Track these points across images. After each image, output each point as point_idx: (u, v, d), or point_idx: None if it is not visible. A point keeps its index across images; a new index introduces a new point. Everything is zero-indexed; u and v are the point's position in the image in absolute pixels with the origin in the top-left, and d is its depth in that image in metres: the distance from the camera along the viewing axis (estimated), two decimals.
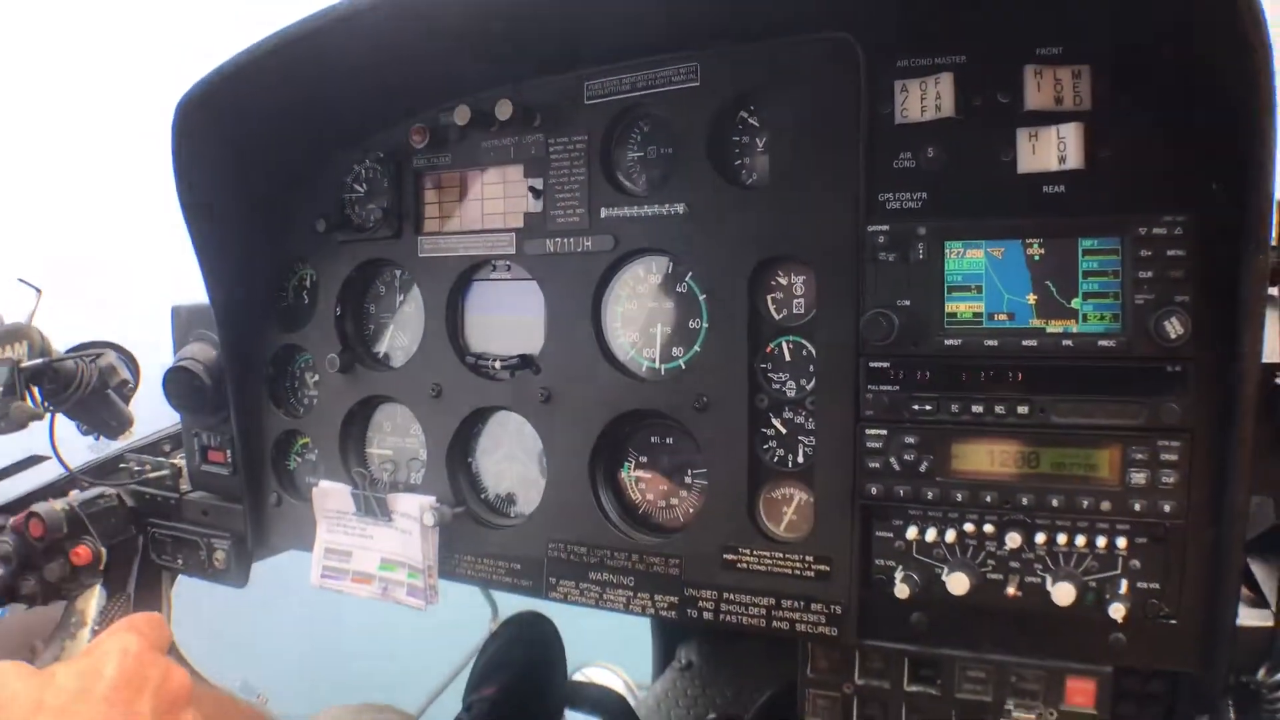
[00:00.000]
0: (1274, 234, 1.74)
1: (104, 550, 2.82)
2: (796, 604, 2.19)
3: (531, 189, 2.43)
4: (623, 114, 2.35)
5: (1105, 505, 1.89)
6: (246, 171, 2.64)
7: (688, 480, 2.37)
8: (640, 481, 2.43)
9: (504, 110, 2.34)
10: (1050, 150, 1.96)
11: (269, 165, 2.68)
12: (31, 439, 2.85)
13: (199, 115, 2.41)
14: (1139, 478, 1.87)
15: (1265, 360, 1.77)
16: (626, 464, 2.44)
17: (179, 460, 3.10)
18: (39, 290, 2.67)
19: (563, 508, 2.44)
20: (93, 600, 2.79)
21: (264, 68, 2.28)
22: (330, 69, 2.36)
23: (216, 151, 2.53)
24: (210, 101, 2.37)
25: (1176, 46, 1.84)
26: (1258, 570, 2.13)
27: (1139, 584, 1.92)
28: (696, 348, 2.30)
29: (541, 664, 3.20)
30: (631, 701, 3.83)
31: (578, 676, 4.01)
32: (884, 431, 2.05)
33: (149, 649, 1.63)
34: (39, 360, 2.66)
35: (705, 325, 2.28)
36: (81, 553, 2.78)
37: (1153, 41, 1.87)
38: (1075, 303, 1.93)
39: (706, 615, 2.28)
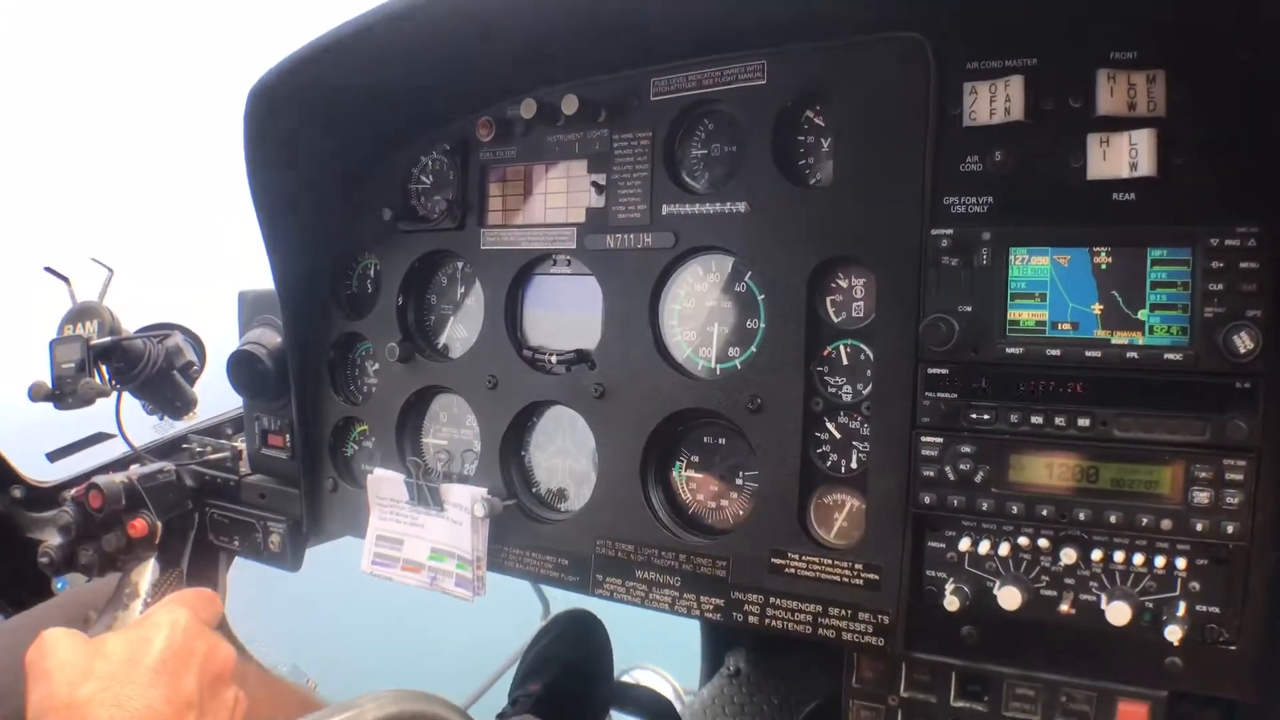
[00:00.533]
0: None
1: (160, 524, 2.85)
2: (844, 612, 2.15)
3: (594, 184, 2.42)
4: (688, 111, 2.33)
5: (1166, 524, 1.81)
6: (314, 160, 2.68)
7: (739, 482, 2.34)
8: (691, 481, 2.40)
9: (570, 105, 2.34)
10: (1121, 157, 1.89)
11: (337, 154, 2.71)
12: (98, 417, 2.91)
13: (269, 103, 2.45)
14: (1202, 497, 1.79)
15: None
16: (678, 463, 2.41)
17: (239, 443, 3.15)
18: (110, 270, 2.73)
19: (612, 505, 2.42)
20: (147, 573, 2.82)
21: (333, 57, 2.32)
22: (399, 60, 2.39)
23: (285, 139, 2.57)
24: (280, 90, 2.41)
25: (1254, 50, 1.77)
26: None
27: (1198, 607, 1.84)
28: (753, 348, 2.27)
29: (588, 663, 3.19)
30: (678, 706, 3.80)
31: (625, 678, 3.98)
32: (940, 440, 2.00)
33: (197, 623, 1.65)
34: (108, 339, 2.72)
35: (763, 325, 2.25)
36: (138, 525, 2.81)
37: (1230, 45, 1.80)
38: (1142, 314, 1.87)
39: (752, 619, 2.24)
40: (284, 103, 2.46)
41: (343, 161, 2.74)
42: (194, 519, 3.07)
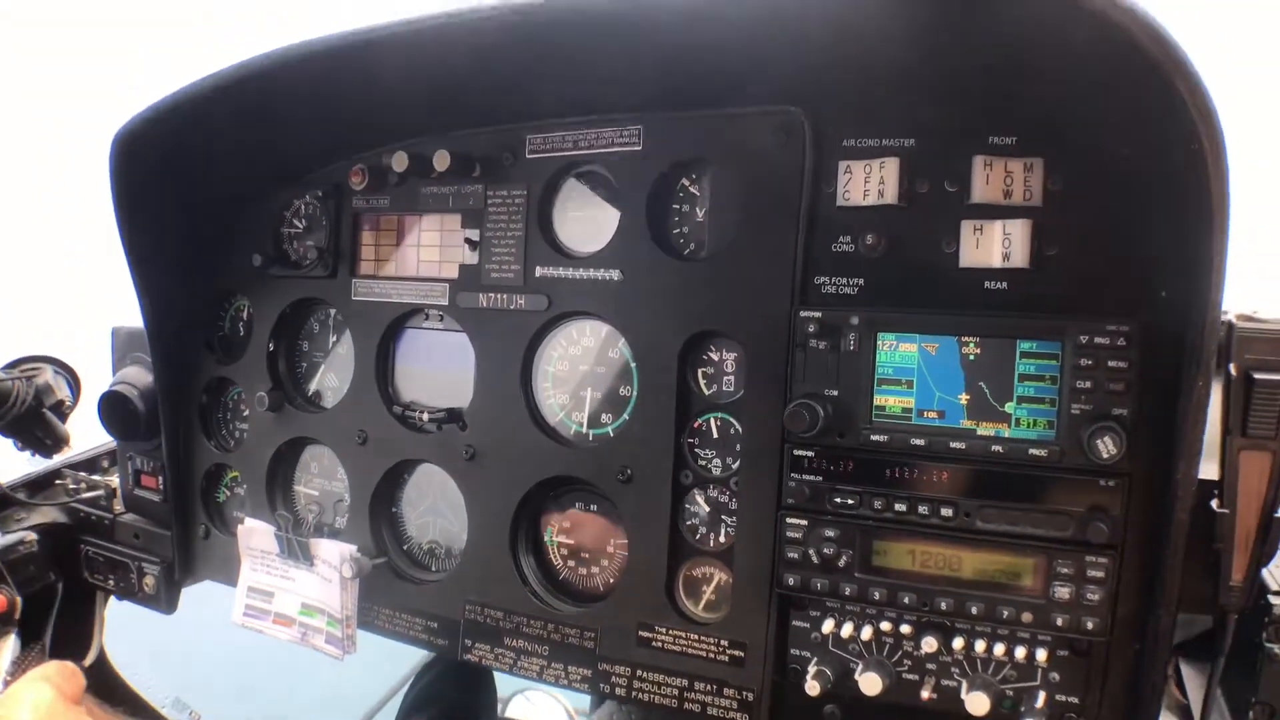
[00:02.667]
0: None
1: (19, 600, 2.62)
2: (709, 687, 2.03)
3: (468, 240, 2.24)
4: (563, 171, 2.16)
5: (1026, 616, 1.72)
6: (183, 203, 2.45)
7: (610, 550, 2.20)
8: (563, 547, 2.25)
9: (442, 161, 2.16)
10: (995, 246, 1.79)
11: (207, 198, 2.49)
12: None
13: (134, 149, 2.24)
14: (1063, 592, 1.70)
15: (1202, 477, 1.61)
16: (550, 529, 2.26)
17: (114, 479, 2.92)
18: None
19: (482, 569, 2.26)
20: (6, 650, 2.58)
21: (200, 105, 2.11)
22: (270, 107, 2.18)
23: (153, 183, 2.34)
24: (146, 136, 2.21)
25: (1134, 147, 1.66)
26: (1187, 674, 1.98)
27: (1057, 696, 1.76)
28: (626, 416, 2.12)
29: (472, 699, 3.04)
30: None
31: (519, 699, 3.84)
32: (804, 522, 1.88)
33: (61, 700, 1.53)
34: None
35: (635, 394, 2.10)
36: None
37: (1110, 140, 1.69)
38: (1009, 406, 1.76)
39: (619, 690, 2.11)
40: (149, 149, 2.25)
41: (212, 204, 2.52)
42: (58, 589, 2.82)
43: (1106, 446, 1.63)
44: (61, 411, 2.75)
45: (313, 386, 2.59)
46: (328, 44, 1.91)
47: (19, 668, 2.53)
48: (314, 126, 2.30)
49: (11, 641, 2.57)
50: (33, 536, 2.73)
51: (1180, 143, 1.42)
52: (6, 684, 2.43)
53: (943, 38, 1.67)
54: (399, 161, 2.20)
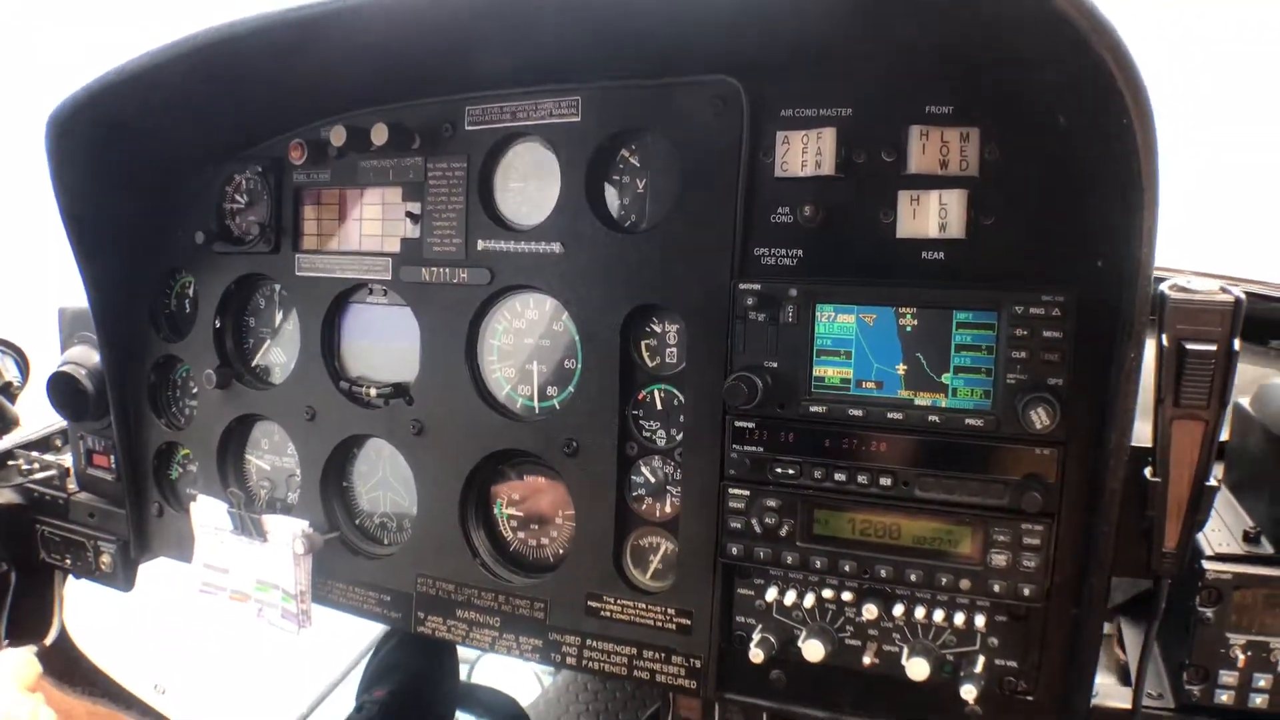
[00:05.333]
0: None
1: None
2: (658, 655, 2.03)
3: (409, 214, 2.20)
4: (503, 142, 2.12)
5: (964, 583, 1.73)
6: (123, 181, 2.39)
7: (559, 520, 2.19)
8: (512, 519, 2.24)
9: (380, 135, 2.10)
10: (931, 216, 1.77)
11: (147, 175, 2.42)
12: None
13: (68, 129, 2.18)
14: (1000, 559, 1.71)
15: (1136, 444, 1.61)
16: (499, 500, 2.25)
17: (67, 459, 2.88)
18: None
19: (432, 543, 2.25)
20: None
21: (135, 84, 2.05)
22: (207, 84, 2.12)
23: (89, 163, 2.29)
24: (80, 115, 2.15)
25: (1069, 117, 1.64)
26: (1128, 634, 2.00)
27: (996, 661, 1.78)
28: (571, 388, 2.10)
29: (433, 667, 3.05)
30: (538, 689, 3.70)
31: (483, 664, 3.86)
32: (746, 492, 1.87)
33: (15, 690, 1.53)
34: None
35: (580, 367, 2.08)
36: None
37: (1047, 109, 1.67)
38: (946, 377, 1.75)
39: (570, 660, 2.12)
40: (86, 127, 2.18)
41: (151, 182, 2.45)
42: (11, 579, 2.80)
43: (1040, 418, 1.63)
44: (10, 393, 2.70)
45: (260, 362, 2.54)
46: (266, 21, 1.85)
47: None
48: (252, 101, 2.24)
49: None
50: None
51: (1111, 115, 1.41)
52: None
53: (879, 17, 1.65)
54: (337, 136, 2.14)
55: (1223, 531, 1.83)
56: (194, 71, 2.04)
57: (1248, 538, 1.79)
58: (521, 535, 2.24)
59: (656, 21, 1.77)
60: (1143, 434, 1.63)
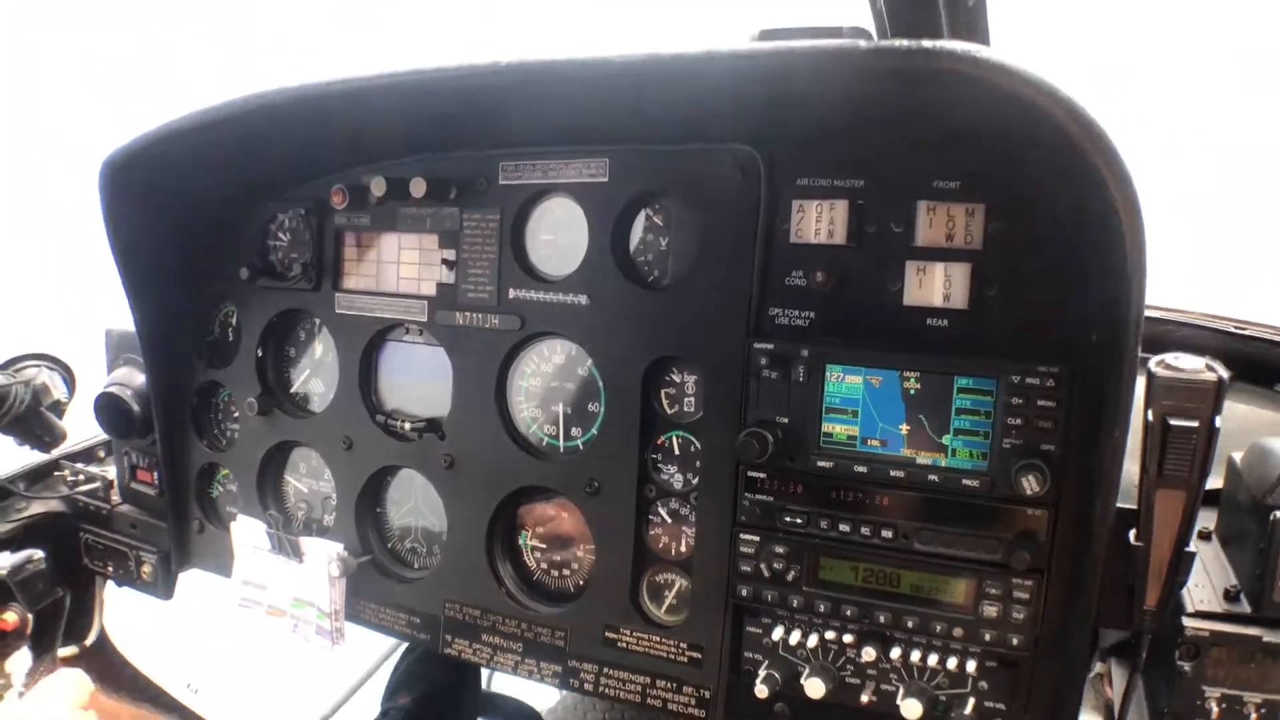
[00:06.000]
0: None
1: (30, 616, 2.73)
2: (670, 685, 2.16)
3: (445, 260, 2.32)
4: (535, 197, 2.24)
5: (958, 631, 1.86)
6: (171, 219, 2.52)
7: (580, 554, 2.32)
8: (536, 550, 2.37)
9: (418, 189, 2.24)
10: (936, 286, 1.89)
11: (194, 213, 2.56)
12: None
13: (123, 173, 2.33)
14: (991, 610, 1.83)
15: (1124, 506, 1.73)
16: (524, 532, 2.38)
17: (111, 470, 3.02)
18: None
19: (460, 570, 2.38)
20: (20, 662, 2.71)
21: (186, 137, 2.18)
22: (256, 139, 2.27)
23: (141, 203, 2.42)
24: (133, 162, 2.29)
25: (1064, 203, 1.75)
26: (1117, 675, 2.12)
27: (985, 703, 1.90)
28: (594, 430, 2.23)
29: (457, 677, 3.18)
30: (557, 697, 3.83)
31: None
32: (757, 538, 2.00)
33: (70, 709, 1.62)
34: None
35: (603, 411, 2.20)
36: (8, 620, 2.69)
37: (1048, 188, 1.78)
38: (946, 438, 1.87)
39: (587, 686, 2.25)
40: (137, 173, 2.33)
41: (200, 219, 2.58)
42: (65, 603, 2.95)
43: (1030, 484, 1.75)
44: (59, 410, 2.84)
45: (300, 392, 2.67)
46: (307, 92, 1.98)
47: (32, 679, 2.65)
48: (296, 151, 2.37)
49: (24, 655, 2.69)
50: (39, 554, 2.84)
51: (1101, 208, 1.52)
52: (21, 695, 2.56)
53: (889, 107, 1.77)
54: (377, 187, 2.27)
55: (1206, 588, 1.95)
56: (238, 130, 2.17)
57: (1228, 595, 1.90)
58: (545, 565, 2.37)
59: (683, 104, 1.89)
60: (1132, 487, 1.74)
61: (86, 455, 3.13)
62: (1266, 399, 2.73)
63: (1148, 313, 2.85)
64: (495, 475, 2.32)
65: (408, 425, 2.40)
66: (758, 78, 1.70)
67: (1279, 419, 2.64)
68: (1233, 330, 2.79)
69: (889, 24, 2.39)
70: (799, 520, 1.97)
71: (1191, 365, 1.70)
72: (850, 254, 1.93)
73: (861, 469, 1.91)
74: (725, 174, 2.01)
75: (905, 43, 1.55)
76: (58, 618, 2.94)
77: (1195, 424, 1.67)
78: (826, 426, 1.95)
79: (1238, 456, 2.13)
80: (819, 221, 1.95)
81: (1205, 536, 2.23)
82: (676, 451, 2.15)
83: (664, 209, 2.13)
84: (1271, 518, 1.84)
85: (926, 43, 1.55)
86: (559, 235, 2.23)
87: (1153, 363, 1.71)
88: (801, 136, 1.96)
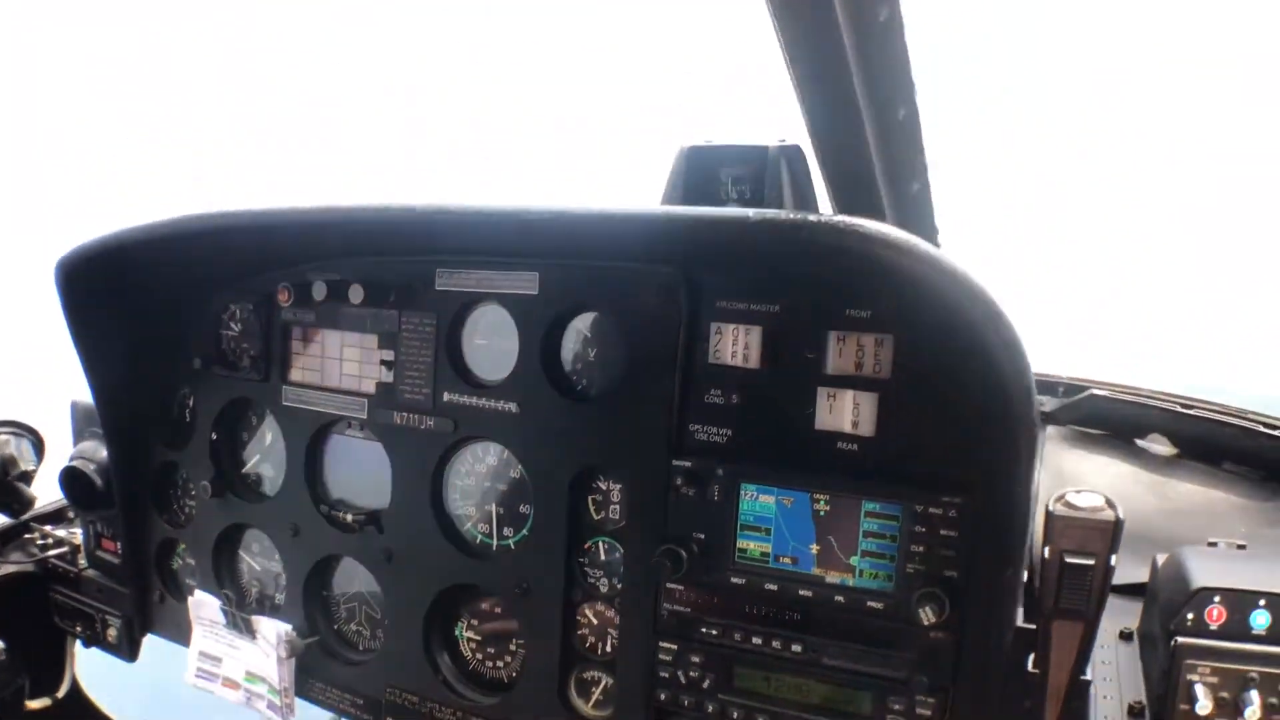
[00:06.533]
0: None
1: None
2: None
3: (383, 361, 2.39)
4: (470, 304, 2.30)
5: None
6: (129, 311, 2.61)
7: (513, 647, 2.39)
8: (471, 642, 2.44)
9: (356, 294, 2.32)
10: (846, 413, 1.93)
11: (150, 304, 2.63)
12: None
13: (80, 271, 2.44)
14: None
15: (1027, 626, 1.79)
16: (460, 624, 2.45)
17: (79, 533, 3.11)
18: None
19: (399, 658, 2.45)
20: None
21: (138, 245, 2.28)
22: (205, 246, 2.36)
23: (100, 296, 2.53)
24: (90, 262, 2.40)
25: (965, 336, 1.80)
26: None
27: None
28: (525, 531, 2.29)
29: None
30: None
31: None
32: (675, 646, 2.07)
33: None
34: None
35: (533, 514, 2.27)
36: None
37: (947, 326, 1.82)
38: (854, 559, 1.93)
39: None
40: (97, 268, 2.45)
41: (156, 310, 2.66)
42: (25, 689, 3.05)
43: (927, 615, 1.80)
44: (28, 478, 2.93)
45: (252, 473, 2.74)
46: (258, 218, 2.08)
47: None
48: (248, 251, 2.46)
49: None
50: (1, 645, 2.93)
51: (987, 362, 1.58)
52: None
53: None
54: (318, 290, 2.35)
55: (1114, 700, 2.00)
56: (191, 239, 2.26)
57: (1132, 712, 1.96)
58: (480, 656, 2.43)
59: (608, 239, 1.96)
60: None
61: (56, 516, 3.22)
62: (1215, 478, 2.76)
63: (1099, 390, 2.92)
64: (430, 571, 2.38)
65: (349, 516, 2.47)
66: (661, 236, 1.77)
67: (1228, 499, 2.67)
68: (1180, 409, 2.82)
69: (833, 203, 2.44)
70: (714, 632, 2.03)
71: (1090, 504, 1.75)
72: (765, 377, 1.98)
73: (772, 587, 1.97)
74: (649, 293, 2.06)
75: (790, 217, 1.61)
76: (19, 702, 3.04)
77: (1091, 562, 1.72)
78: (741, 543, 2.01)
79: (1161, 560, 2.18)
80: (735, 344, 2.00)
81: (1126, 637, 2.29)
82: (603, 557, 2.21)
83: (592, 322, 2.18)
84: (1173, 643, 1.90)
85: (812, 217, 1.62)
86: (493, 341, 2.29)
87: (1052, 500, 1.76)
88: (721, 262, 2.01)
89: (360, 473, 2.50)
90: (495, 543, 2.35)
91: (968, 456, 1.81)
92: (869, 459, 1.91)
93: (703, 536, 2.03)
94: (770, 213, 1.67)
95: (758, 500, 2.00)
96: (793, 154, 2.16)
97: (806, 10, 1.87)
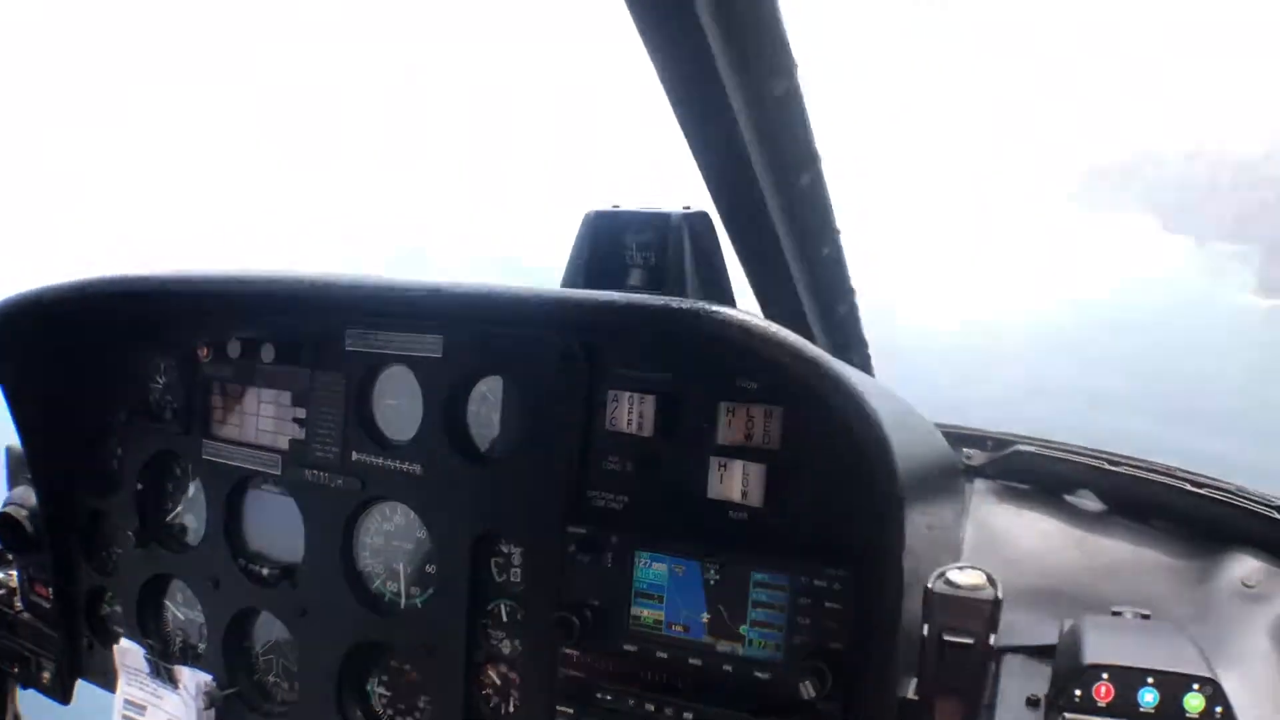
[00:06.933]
0: None
1: None
2: None
3: (295, 419, 2.40)
4: (378, 364, 2.31)
5: None
6: (55, 364, 2.65)
7: (422, 704, 2.39)
8: (383, 698, 2.44)
9: (268, 354, 2.34)
10: (735, 483, 1.93)
11: (77, 357, 2.68)
12: None
13: (5, 327, 2.49)
14: None
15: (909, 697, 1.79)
16: (372, 679, 2.45)
17: (14, 577, 3.13)
18: None
19: (314, 711, 2.45)
20: None
21: (62, 301, 2.31)
22: (124, 303, 2.41)
23: (26, 350, 2.59)
24: (13, 319, 2.45)
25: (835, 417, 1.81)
26: None
27: None
28: (431, 590, 2.30)
29: None
30: None
31: None
32: (571, 710, 2.06)
33: None
34: None
35: (438, 574, 2.27)
36: None
37: (829, 402, 1.83)
38: (743, 628, 1.93)
39: None
40: (23, 324, 2.50)
41: (81, 362, 2.69)
42: None
43: (807, 689, 1.79)
44: None
45: (176, 526, 2.75)
46: (178, 284, 2.16)
47: None
48: (169, 308, 2.50)
49: None
50: None
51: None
52: None
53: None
54: (233, 348, 2.37)
55: None
56: (110, 299, 2.30)
57: None
58: (390, 712, 2.43)
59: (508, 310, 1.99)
60: None
61: None
62: (1143, 535, 2.73)
63: (1025, 446, 2.91)
64: (341, 627, 2.39)
65: (265, 571, 2.48)
66: (555, 314, 1.80)
67: (1156, 557, 2.65)
68: (1106, 465, 2.81)
69: (744, 269, 2.46)
70: (609, 698, 2.02)
71: (970, 581, 1.75)
72: (658, 445, 2.00)
73: (663, 655, 1.97)
74: (550, 360, 2.08)
75: (674, 307, 1.65)
76: None
77: (970, 641, 1.72)
78: (635, 610, 2.01)
79: (1067, 625, 2.17)
80: (631, 412, 2.00)
81: (1034, 703, 2.28)
82: (505, 618, 2.21)
83: (495, 386, 2.19)
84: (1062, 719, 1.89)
85: (674, 303, 1.64)
86: (401, 401, 2.30)
87: (932, 577, 1.76)
88: (618, 332, 2.03)
89: (277, 528, 2.51)
90: (404, 601, 2.35)
91: (850, 530, 1.82)
92: (758, 529, 1.92)
93: (597, 603, 2.03)
94: (655, 302, 1.70)
95: (651, 568, 2.00)
96: (697, 221, 2.17)
97: (697, 88, 1.87)
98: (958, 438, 2.91)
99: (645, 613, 2.01)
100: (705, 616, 1.96)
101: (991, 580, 1.74)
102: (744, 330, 1.61)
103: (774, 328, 1.62)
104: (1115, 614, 2.23)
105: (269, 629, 2.62)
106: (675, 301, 1.68)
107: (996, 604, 1.71)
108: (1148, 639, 2.07)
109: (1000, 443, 2.89)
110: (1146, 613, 2.22)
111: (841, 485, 1.83)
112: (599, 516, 2.05)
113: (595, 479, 2.06)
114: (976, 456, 2.90)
